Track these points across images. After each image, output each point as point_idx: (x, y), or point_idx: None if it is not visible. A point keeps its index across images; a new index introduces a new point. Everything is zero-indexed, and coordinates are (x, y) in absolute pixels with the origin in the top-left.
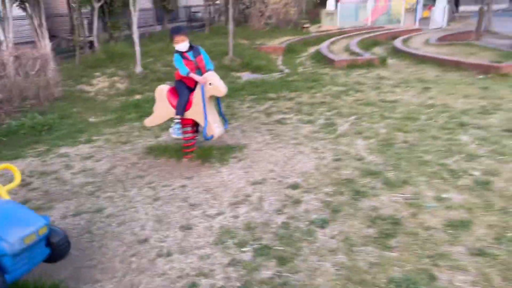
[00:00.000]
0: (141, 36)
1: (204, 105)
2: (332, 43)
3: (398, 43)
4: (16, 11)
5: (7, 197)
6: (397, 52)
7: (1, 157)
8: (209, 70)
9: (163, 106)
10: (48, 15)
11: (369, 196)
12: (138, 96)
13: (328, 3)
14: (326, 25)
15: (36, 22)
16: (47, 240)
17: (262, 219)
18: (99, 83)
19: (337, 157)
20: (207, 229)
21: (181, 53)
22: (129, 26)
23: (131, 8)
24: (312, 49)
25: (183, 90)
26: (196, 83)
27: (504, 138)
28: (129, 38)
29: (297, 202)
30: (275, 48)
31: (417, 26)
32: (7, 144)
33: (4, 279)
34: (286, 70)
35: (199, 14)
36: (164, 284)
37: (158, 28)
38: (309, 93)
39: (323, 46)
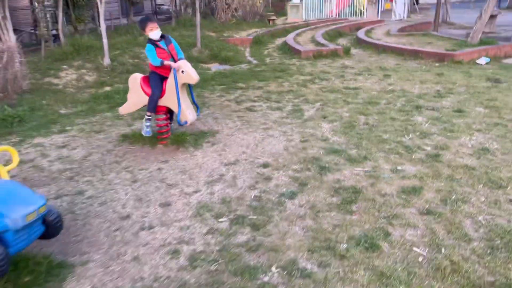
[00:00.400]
0: (107, 29)
1: (178, 92)
2: (298, 34)
3: (361, 34)
4: None
5: (7, 177)
6: (360, 43)
7: None
8: (180, 58)
9: (137, 94)
10: (9, 8)
11: (333, 171)
12: (107, 88)
13: None
14: (292, 17)
15: (0, 15)
16: (43, 218)
17: (236, 194)
18: (67, 75)
19: (304, 139)
20: (185, 205)
21: (154, 43)
22: (93, 19)
23: (98, 1)
24: (279, 41)
25: (157, 84)
26: (170, 71)
27: (454, 117)
28: (94, 31)
29: (268, 178)
30: (243, 40)
31: (379, 18)
32: None
33: (7, 252)
34: (254, 61)
35: (165, 7)
36: (149, 252)
37: (124, 21)
38: (277, 82)
39: (289, 38)
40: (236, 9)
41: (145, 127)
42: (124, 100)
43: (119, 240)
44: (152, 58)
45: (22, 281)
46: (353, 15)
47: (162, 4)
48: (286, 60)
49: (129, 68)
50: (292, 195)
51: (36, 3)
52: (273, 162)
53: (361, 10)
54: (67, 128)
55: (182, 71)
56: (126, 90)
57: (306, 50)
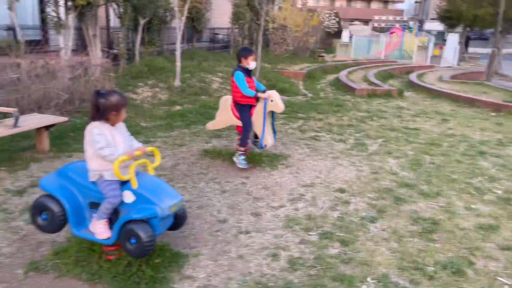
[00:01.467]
0: (171, 53)
1: (264, 119)
2: (350, 72)
3: (413, 77)
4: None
5: (152, 173)
6: (412, 86)
7: (74, 149)
8: (259, 90)
9: (227, 115)
10: None
11: (409, 202)
12: (178, 107)
13: (343, 35)
14: (341, 55)
15: (91, 33)
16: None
17: (319, 213)
18: (143, 92)
19: (374, 170)
20: (274, 217)
21: (244, 71)
22: (161, 42)
23: (177, 27)
24: (330, 77)
25: (249, 120)
26: (257, 100)
27: None
28: (161, 53)
29: (346, 202)
30: (296, 73)
31: (428, 63)
32: (75, 139)
33: (155, 234)
34: (309, 94)
35: (220, 36)
36: (251, 252)
37: (186, 46)
38: (336, 116)
39: (342, 75)
40: (289, 44)
41: (241, 160)
42: (196, 119)
43: (221, 239)
44: (244, 88)
45: (153, 262)
46: (402, 58)
47: (218, 34)
48: (340, 96)
49: (197, 91)
50: (373, 219)
51: (118, 24)
52: (348, 188)
53: (409, 54)
54: (151, 139)
55: (271, 100)
56: (196, 110)
57: (360, 88)
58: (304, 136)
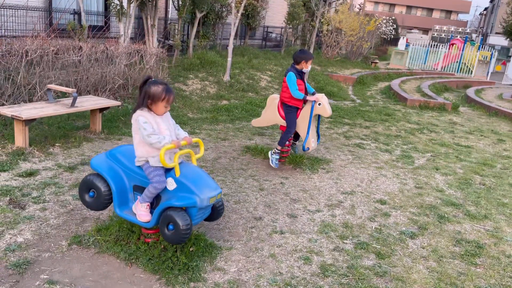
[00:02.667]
0: (223, 48)
1: (310, 122)
2: (403, 82)
3: (470, 92)
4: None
5: (195, 164)
6: (469, 101)
7: (123, 132)
8: (309, 92)
9: (273, 114)
10: None
11: (453, 222)
12: (225, 102)
13: (399, 43)
14: (395, 63)
15: (149, 23)
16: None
17: (357, 222)
18: (193, 84)
19: (419, 185)
20: (310, 220)
21: (297, 73)
22: (215, 37)
23: (232, 22)
24: (381, 84)
25: (294, 122)
26: (304, 102)
27: None
28: (213, 48)
29: (386, 215)
30: (346, 77)
31: (488, 79)
32: (125, 123)
33: (192, 223)
34: (358, 100)
35: (273, 35)
36: (283, 253)
37: (238, 43)
38: (384, 125)
39: (394, 83)
40: (341, 47)
41: (274, 160)
42: (241, 115)
43: (255, 236)
44: (295, 90)
45: (188, 249)
46: (460, 71)
47: (271, 32)
48: (390, 105)
49: (245, 87)
50: (412, 235)
51: (175, 16)
52: (389, 200)
53: (469, 68)
54: (196, 131)
55: (319, 104)
56: (242, 106)
57: (412, 99)
58: (348, 142)
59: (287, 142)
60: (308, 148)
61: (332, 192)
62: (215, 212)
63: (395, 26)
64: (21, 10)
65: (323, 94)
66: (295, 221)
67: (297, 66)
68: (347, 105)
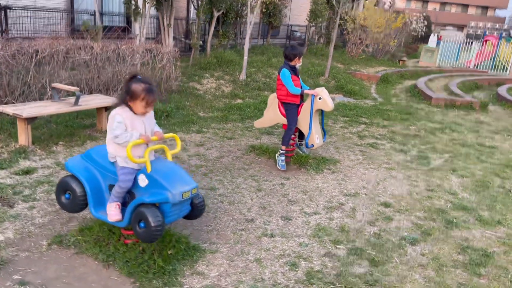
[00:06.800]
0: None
1: (311, 117)
2: (430, 80)
3: (502, 90)
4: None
5: (171, 159)
6: (500, 100)
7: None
8: (303, 89)
9: (274, 113)
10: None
11: (461, 228)
12: (239, 100)
13: (430, 39)
14: (425, 61)
15: (165, 22)
16: (191, 200)
17: (355, 226)
18: (208, 83)
19: (430, 187)
20: (304, 223)
21: (290, 69)
22: (235, 36)
23: (248, 21)
24: (408, 83)
25: (294, 119)
26: (303, 99)
27: None
28: (234, 47)
29: (388, 218)
30: (370, 76)
31: None
32: None
33: (164, 220)
34: (380, 99)
35: (298, 34)
36: (269, 258)
37: (260, 41)
38: (403, 124)
39: (421, 81)
40: (367, 45)
41: (280, 161)
42: (253, 114)
43: (244, 239)
44: (290, 86)
45: (166, 252)
46: (494, 69)
47: (296, 31)
48: (413, 104)
49: (261, 86)
50: (413, 241)
51: (195, 16)
52: (394, 203)
53: (504, 65)
54: (204, 130)
55: (319, 98)
56: (255, 105)
57: (437, 97)
58: (361, 142)
59: (291, 141)
60: (312, 145)
61: (334, 194)
62: (195, 209)
63: (426, 23)
64: (42, 12)
65: (323, 88)
66: (289, 223)
67: (291, 63)
68: (367, 104)
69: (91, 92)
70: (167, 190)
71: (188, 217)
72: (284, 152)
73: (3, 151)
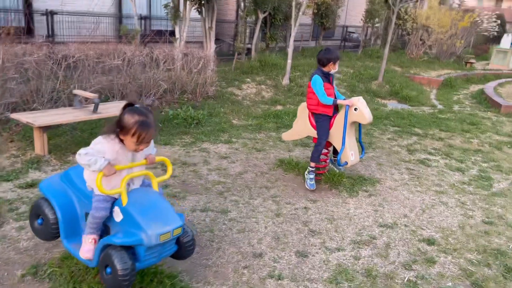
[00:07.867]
0: (295, 50)
1: (345, 131)
2: (501, 84)
3: None
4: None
5: (156, 188)
6: None
7: (155, 140)
8: (338, 98)
9: (304, 124)
10: (217, 20)
11: None
12: (279, 107)
13: (503, 40)
14: (496, 63)
15: (207, 25)
16: (177, 238)
17: (385, 270)
18: (248, 88)
19: (489, 219)
20: (322, 262)
21: (323, 76)
22: (284, 38)
23: (292, 23)
24: (474, 88)
25: (325, 132)
26: (336, 110)
27: None
28: (283, 50)
29: (430, 261)
30: (431, 80)
31: None
32: (162, 130)
33: (134, 266)
34: (439, 106)
35: (355, 35)
36: None
37: (312, 43)
38: (464, 136)
39: (489, 86)
40: (430, 46)
41: (309, 180)
42: (290, 123)
43: (245, 280)
44: (322, 95)
45: None
46: None
47: (353, 32)
48: (479, 112)
49: (304, 91)
50: None
51: (240, 18)
52: (441, 239)
53: None
54: (233, 139)
55: (355, 109)
56: (295, 112)
57: (508, 105)
58: (410, 157)
59: (322, 157)
60: (346, 163)
61: (367, 224)
62: (182, 249)
63: (499, 22)
64: (91, 17)
65: (360, 97)
66: (303, 262)
67: (324, 69)
68: (424, 112)
69: (122, 98)
70: (142, 230)
71: (175, 257)
72: (313, 169)
73: (18, 160)
